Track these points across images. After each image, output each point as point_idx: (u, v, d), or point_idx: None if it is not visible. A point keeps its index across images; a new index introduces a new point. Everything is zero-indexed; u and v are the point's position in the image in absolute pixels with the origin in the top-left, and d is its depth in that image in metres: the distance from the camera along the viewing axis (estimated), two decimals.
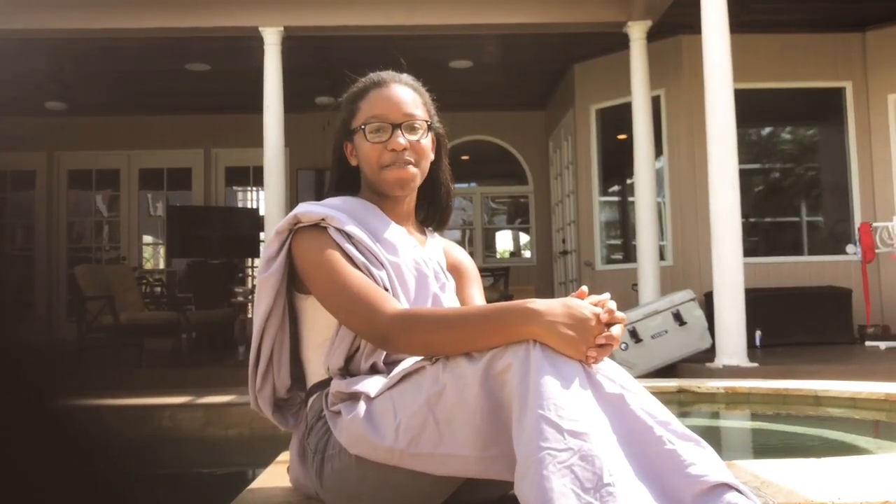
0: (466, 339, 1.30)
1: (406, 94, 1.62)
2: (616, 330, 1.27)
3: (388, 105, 1.59)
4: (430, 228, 1.76)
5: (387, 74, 1.65)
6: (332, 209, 1.54)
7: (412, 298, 1.54)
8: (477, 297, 1.74)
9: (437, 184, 1.71)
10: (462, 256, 1.78)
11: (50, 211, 10.47)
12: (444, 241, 1.78)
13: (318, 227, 1.51)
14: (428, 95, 1.68)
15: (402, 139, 1.57)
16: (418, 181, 1.63)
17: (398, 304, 1.43)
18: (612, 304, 1.29)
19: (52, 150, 10.39)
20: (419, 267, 1.57)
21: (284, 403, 1.64)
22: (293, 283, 1.56)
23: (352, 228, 1.51)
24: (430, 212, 1.74)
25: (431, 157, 1.66)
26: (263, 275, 1.53)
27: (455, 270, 1.73)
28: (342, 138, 1.66)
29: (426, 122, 1.62)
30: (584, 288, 1.32)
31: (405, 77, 1.66)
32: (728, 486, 1.13)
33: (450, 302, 1.60)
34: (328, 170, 1.76)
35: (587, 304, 1.28)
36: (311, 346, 1.58)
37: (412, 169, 1.59)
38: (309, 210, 1.52)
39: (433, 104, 1.69)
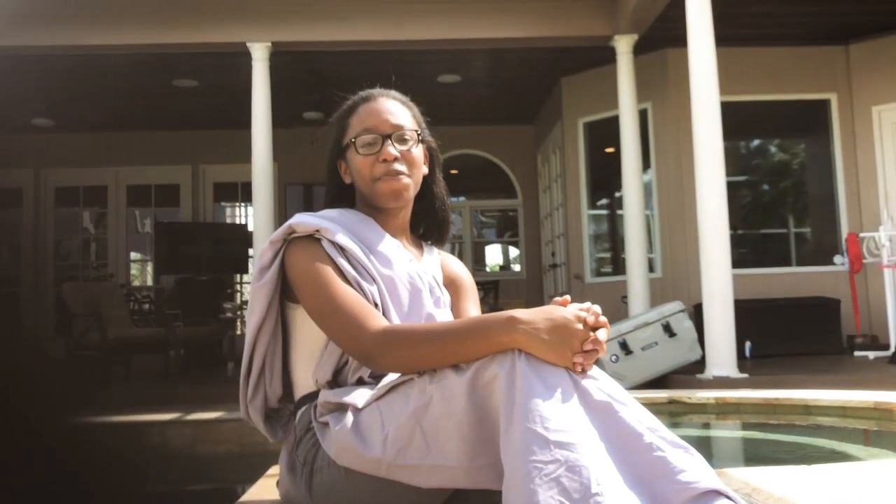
0: (450, 352, 1.29)
1: (394, 106, 1.64)
2: (602, 334, 1.27)
3: (378, 117, 1.61)
4: (428, 243, 1.76)
5: (375, 90, 1.68)
6: (328, 221, 1.54)
7: (405, 312, 1.53)
8: (472, 311, 1.73)
9: (432, 197, 1.72)
10: (459, 269, 1.77)
11: (37, 228, 10.41)
12: (443, 253, 1.78)
13: (313, 238, 1.52)
14: (417, 109, 1.70)
15: (392, 149, 1.59)
16: (412, 192, 1.64)
17: (384, 320, 1.43)
18: (597, 308, 1.29)
19: (39, 168, 10.34)
20: (413, 281, 1.57)
21: (274, 414, 1.64)
22: (285, 292, 1.56)
23: (345, 241, 1.51)
24: (429, 226, 1.75)
25: (424, 168, 1.67)
26: (256, 284, 1.53)
27: (451, 284, 1.73)
28: (335, 157, 1.68)
29: (416, 132, 1.64)
30: (567, 297, 1.32)
31: (393, 92, 1.69)
32: (718, 493, 1.13)
33: (444, 317, 1.60)
34: (317, 185, 1.77)
35: (569, 309, 1.27)
36: (300, 356, 1.58)
37: (405, 179, 1.60)
38: (304, 221, 1.52)
39: (423, 119, 1.70)
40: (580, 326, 1.25)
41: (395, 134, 1.60)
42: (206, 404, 4.61)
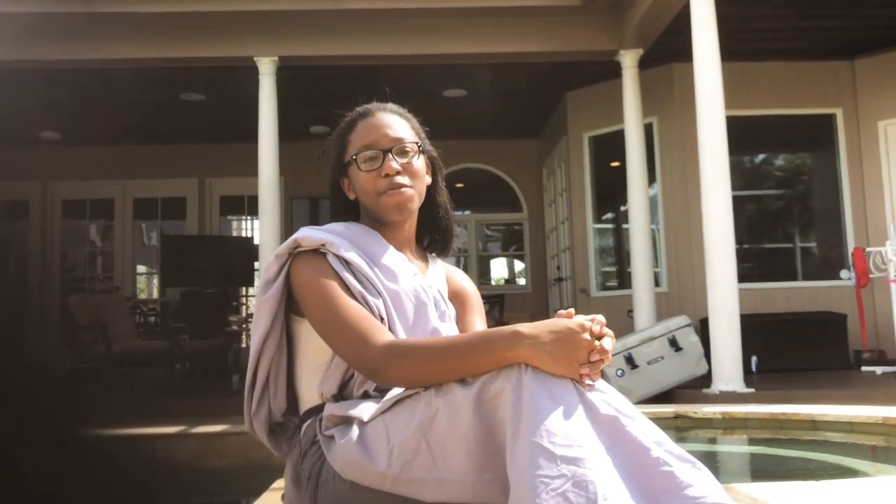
0: (456, 367, 1.29)
1: (393, 120, 1.64)
2: (607, 343, 1.26)
3: (377, 132, 1.62)
4: (432, 255, 1.76)
5: (372, 105, 1.69)
6: (333, 235, 1.54)
7: (410, 326, 1.53)
8: (478, 324, 1.73)
9: (435, 206, 1.72)
10: (464, 282, 1.77)
11: (44, 240, 10.45)
12: (447, 266, 1.78)
13: (318, 252, 1.52)
14: (416, 120, 1.70)
15: (394, 163, 1.59)
16: (416, 203, 1.64)
17: (389, 335, 1.43)
18: (601, 318, 1.29)
19: (46, 180, 10.40)
20: (418, 295, 1.57)
21: (279, 428, 1.63)
22: (290, 306, 1.56)
23: (351, 255, 1.51)
24: (432, 237, 1.75)
25: (427, 179, 1.68)
26: (261, 297, 1.53)
27: (457, 297, 1.73)
28: (337, 174, 1.68)
29: (416, 143, 1.64)
30: (572, 310, 1.32)
31: (390, 105, 1.69)
32: None
33: (449, 331, 1.60)
34: (323, 198, 1.77)
35: (573, 320, 1.27)
36: (305, 370, 1.58)
37: (408, 191, 1.60)
38: (309, 235, 1.53)
39: (423, 129, 1.71)
40: (585, 336, 1.25)
41: (395, 147, 1.61)
42: (210, 417, 4.61)
